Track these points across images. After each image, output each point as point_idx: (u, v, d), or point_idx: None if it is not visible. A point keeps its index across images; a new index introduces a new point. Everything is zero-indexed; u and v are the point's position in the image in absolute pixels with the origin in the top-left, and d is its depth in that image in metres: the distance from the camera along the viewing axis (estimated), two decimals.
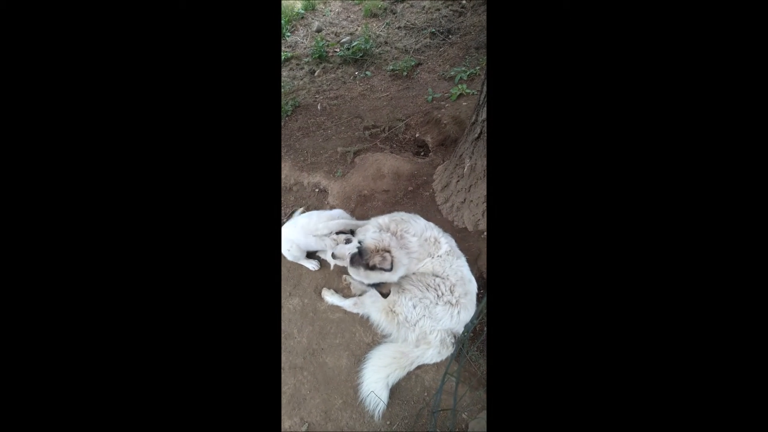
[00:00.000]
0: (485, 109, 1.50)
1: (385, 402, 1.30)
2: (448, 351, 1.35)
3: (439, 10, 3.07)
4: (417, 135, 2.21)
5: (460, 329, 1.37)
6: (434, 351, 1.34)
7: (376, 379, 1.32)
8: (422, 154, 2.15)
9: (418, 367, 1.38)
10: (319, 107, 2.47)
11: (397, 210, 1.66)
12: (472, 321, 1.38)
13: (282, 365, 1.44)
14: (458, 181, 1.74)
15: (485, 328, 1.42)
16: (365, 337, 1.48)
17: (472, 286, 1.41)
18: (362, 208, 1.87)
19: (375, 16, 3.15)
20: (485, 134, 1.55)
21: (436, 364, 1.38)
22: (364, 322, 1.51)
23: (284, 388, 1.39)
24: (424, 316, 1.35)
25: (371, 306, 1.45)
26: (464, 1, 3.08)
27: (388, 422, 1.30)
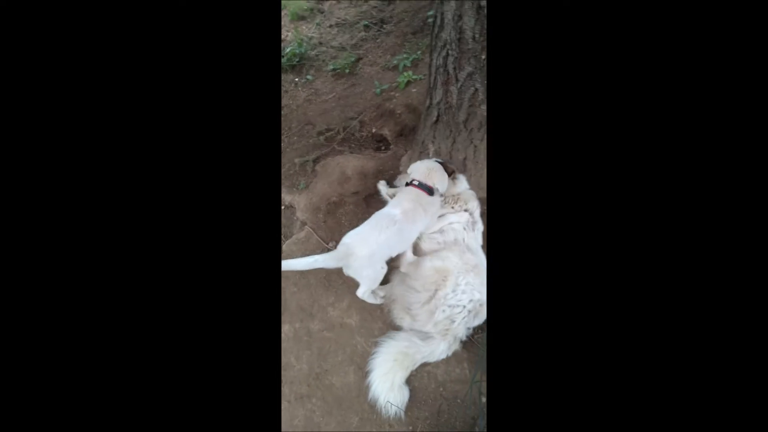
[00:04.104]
0: (438, 91, 1.47)
1: (401, 406, 1.25)
2: (456, 344, 1.32)
3: (367, 1, 3.01)
4: (374, 130, 2.15)
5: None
6: (445, 346, 1.30)
7: (388, 389, 1.27)
8: (383, 148, 2.10)
9: (429, 364, 1.34)
10: None
11: (372, 209, 1.60)
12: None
13: (287, 398, 1.35)
14: None
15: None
16: (368, 347, 1.41)
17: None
18: (333, 216, 1.79)
19: (302, 18, 3.04)
20: (444, 116, 1.52)
21: (447, 358, 1.35)
22: (363, 332, 1.44)
23: (294, 422, 1.30)
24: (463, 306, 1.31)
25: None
26: None
27: (410, 428, 1.26)
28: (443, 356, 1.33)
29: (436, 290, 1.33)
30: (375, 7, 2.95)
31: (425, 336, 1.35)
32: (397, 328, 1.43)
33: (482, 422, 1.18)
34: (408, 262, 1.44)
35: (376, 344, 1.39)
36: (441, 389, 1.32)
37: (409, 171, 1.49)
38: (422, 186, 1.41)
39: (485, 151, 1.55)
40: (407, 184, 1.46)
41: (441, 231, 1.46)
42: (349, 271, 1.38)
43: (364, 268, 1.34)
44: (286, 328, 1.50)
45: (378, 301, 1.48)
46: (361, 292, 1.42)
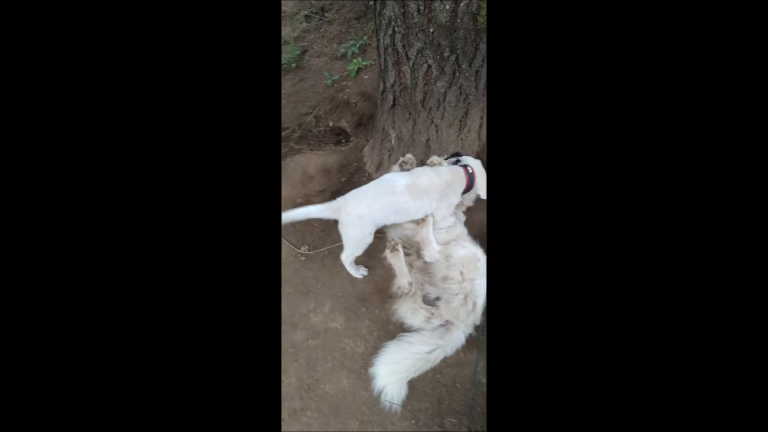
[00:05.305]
0: (390, 72, 1.41)
1: (398, 402, 1.21)
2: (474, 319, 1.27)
3: None
4: (331, 124, 2.07)
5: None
6: (462, 335, 1.26)
7: (394, 382, 1.23)
8: (343, 141, 2.03)
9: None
10: None
11: None
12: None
13: (281, 415, 1.28)
14: (390, 155, 1.66)
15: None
16: (357, 347, 1.36)
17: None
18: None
19: None
20: (400, 98, 1.47)
21: None
22: (350, 333, 1.38)
23: None
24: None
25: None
26: None
27: (413, 422, 1.22)
28: (459, 345, 1.28)
29: (473, 280, 1.26)
30: None
31: (443, 332, 1.29)
32: (407, 329, 1.35)
33: (479, 401, 1.17)
34: (437, 251, 1.35)
35: (365, 345, 1.33)
36: (438, 376, 1.30)
37: (465, 157, 1.45)
38: (470, 177, 1.37)
39: (447, 131, 1.52)
40: (458, 164, 1.41)
41: (453, 225, 1.42)
42: (340, 227, 1.37)
43: (351, 226, 1.32)
44: None
45: (358, 275, 1.45)
46: (344, 256, 1.40)
